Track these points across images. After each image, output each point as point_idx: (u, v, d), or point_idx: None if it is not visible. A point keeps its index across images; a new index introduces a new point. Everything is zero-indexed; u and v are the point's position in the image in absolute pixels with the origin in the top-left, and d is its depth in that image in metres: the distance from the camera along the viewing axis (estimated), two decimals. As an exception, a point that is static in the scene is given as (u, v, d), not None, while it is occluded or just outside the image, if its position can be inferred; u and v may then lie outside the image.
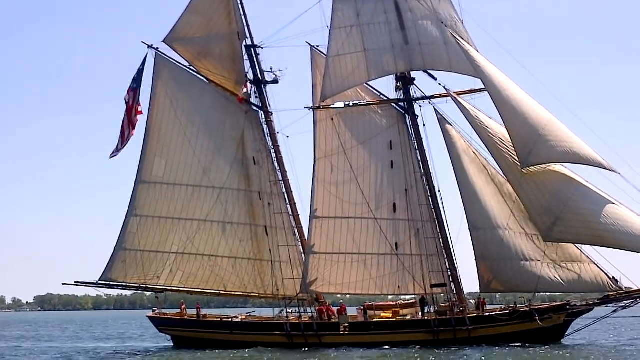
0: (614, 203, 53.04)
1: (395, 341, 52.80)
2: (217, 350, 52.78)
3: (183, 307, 60.04)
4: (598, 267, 54.57)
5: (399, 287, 56.03)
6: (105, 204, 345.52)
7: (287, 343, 54.59)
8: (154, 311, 61.12)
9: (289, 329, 54.88)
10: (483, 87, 55.52)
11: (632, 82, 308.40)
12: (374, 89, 58.52)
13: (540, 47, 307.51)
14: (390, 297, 58.86)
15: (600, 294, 55.16)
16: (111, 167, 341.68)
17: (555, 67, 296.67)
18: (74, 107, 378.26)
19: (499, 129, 55.10)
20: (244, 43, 59.69)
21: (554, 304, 56.43)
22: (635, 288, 53.83)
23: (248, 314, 59.91)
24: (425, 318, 54.22)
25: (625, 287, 54.16)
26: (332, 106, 57.16)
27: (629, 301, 54.22)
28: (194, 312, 59.80)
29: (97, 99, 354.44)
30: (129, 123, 58.05)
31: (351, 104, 57.69)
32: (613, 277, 54.33)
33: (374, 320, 55.17)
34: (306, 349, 52.81)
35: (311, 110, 57.42)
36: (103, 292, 61.21)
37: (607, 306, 55.42)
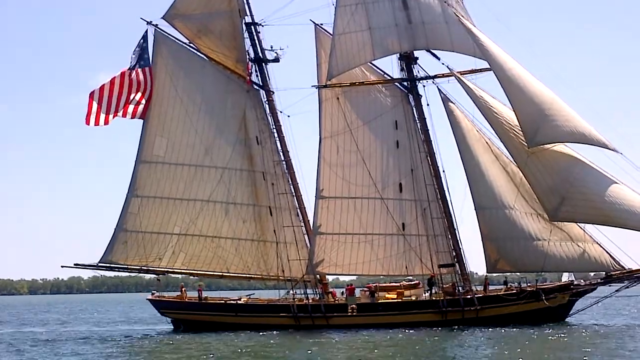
0: (617, 182, 54.50)
1: (403, 322, 53.87)
2: (228, 333, 52.92)
3: (183, 289, 60.27)
4: (601, 246, 55.97)
5: (406, 267, 57.15)
6: (102, 183, 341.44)
7: (293, 325, 55.32)
8: (153, 294, 61.34)
9: (295, 310, 55.56)
10: (484, 67, 56.67)
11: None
12: (378, 68, 59.41)
13: (540, 28, 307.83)
14: (399, 277, 59.40)
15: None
16: (109, 145, 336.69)
17: (555, 45, 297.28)
18: (69, 82, 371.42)
19: (503, 108, 56.19)
20: (244, 20, 59.81)
21: (559, 283, 57.71)
22: (637, 267, 55.35)
23: (248, 296, 60.39)
24: (434, 298, 55.18)
25: (627, 267, 55.70)
26: (340, 84, 57.62)
27: (631, 281, 55.78)
28: (193, 294, 60.19)
29: (93, 74, 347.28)
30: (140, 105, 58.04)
31: (357, 83, 58.16)
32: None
33: (379, 301, 56.07)
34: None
35: (317, 89, 57.94)
36: (103, 274, 60.31)
37: (609, 286, 57.20)
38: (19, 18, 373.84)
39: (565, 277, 59.69)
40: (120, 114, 57.84)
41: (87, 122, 57.37)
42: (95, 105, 57.03)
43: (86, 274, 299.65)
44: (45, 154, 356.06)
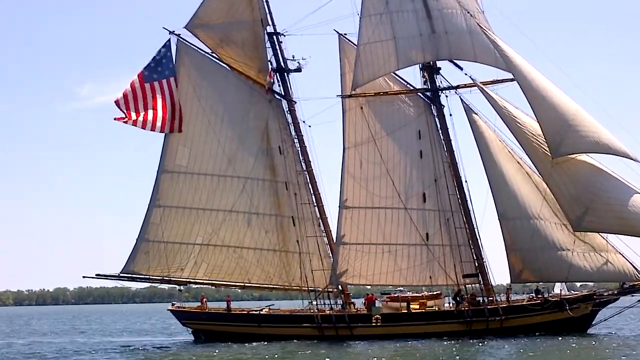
0: (639, 192, 55.09)
1: (427, 332, 54.40)
2: (247, 344, 53.47)
3: (204, 300, 60.63)
4: (624, 256, 56.65)
5: (430, 278, 57.65)
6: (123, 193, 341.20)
7: (317, 335, 55.81)
8: (173, 305, 61.70)
9: (320, 321, 56.02)
10: (507, 77, 57.45)
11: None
12: (401, 78, 60.10)
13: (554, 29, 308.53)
14: (421, 288, 59.94)
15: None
16: (131, 155, 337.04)
17: (571, 55, 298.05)
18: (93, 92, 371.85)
19: (526, 119, 56.89)
20: (266, 30, 60.56)
21: (582, 293, 58.31)
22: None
23: (268, 307, 60.82)
24: (460, 309, 55.73)
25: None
26: (364, 94, 58.37)
27: (654, 291, 56.51)
28: (213, 305, 60.52)
29: (116, 84, 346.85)
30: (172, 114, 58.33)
31: (381, 93, 58.87)
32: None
33: (402, 312, 56.58)
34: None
35: (341, 98, 58.59)
36: (125, 284, 60.50)
37: (632, 295, 57.83)
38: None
39: (557, 288, 60.61)
40: (149, 126, 58.14)
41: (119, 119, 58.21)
42: (124, 110, 57.65)
43: (72, 285, 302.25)
44: (32, 160, 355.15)
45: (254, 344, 53.54)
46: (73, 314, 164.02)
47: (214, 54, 60.56)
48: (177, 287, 60.77)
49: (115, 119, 58.07)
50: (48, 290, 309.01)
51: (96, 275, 59.65)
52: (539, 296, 57.15)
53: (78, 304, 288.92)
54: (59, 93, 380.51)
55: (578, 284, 65.11)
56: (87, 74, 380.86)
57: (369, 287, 63.56)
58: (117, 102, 57.56)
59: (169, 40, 59.57)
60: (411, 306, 57.30)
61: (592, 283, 63.24)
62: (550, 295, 57.83)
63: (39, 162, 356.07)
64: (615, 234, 55.88)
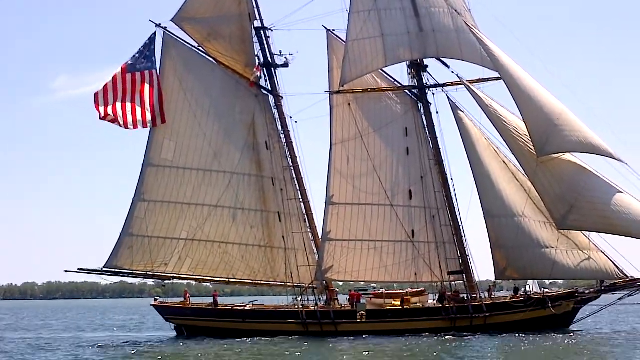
0: (622, 192, 55.94)
1: (412, 329, 54.84)
2: (236, 340, 53.53)
3: (187, 296, 60.60)
4: (605, 255, 57.39)
5: (415, 274, 58.05)
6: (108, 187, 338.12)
7: (302, 331, 56.00)
8: (155, 300, 61.57)
9: (304, 317, 56.24)
10: (493, 76, 58.07)
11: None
12: (388, 75, 60.47)
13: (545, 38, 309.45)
14: (406, 284, 60.36)
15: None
16: (115, 148, 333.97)
17: (560, 55, 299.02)
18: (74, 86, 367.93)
19: (512, 118, 57.52)
20: (253, 25, 60.58)
21: (564, 291, 58.99)
22: (640, 276, 56.87)
23: (251, 302, 60.92)
24: (445, 305, 56.15)
25: (630, 276, 57.14)
26: (352, 90, 58.68)
27: (634, 289, 57.22)
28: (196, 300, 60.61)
29: (99, 76, 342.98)
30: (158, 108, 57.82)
31: (369, 90, 59.16)
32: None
33: (387, 308, 56.95)
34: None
35: (329, 94, 58.84)
36: (107, 279, 60.03)
37: (613, 294, 58.60)
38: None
39: (530, 286, 61.32)
40: (123, 122, 57.22)
41: (101, 117, 57.20)
42: (102, 105, 56.86)
43: (41, 280, 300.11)
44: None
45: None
46: (52, 309, 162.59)
47: (200, 48, 60.47)
48: (161, 282, 60.70)
49: (100, 118, 57.22)
50: (16, 285, 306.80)
51: (79, 269, 59.31)
52: (520, 294, 57.83)
53: (47, 299, 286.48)
54: (32, 87, 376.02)
55: (548, 282, 65.72)
56: (62, 68, 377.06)
57: (352, 283, 63.90)
58: (96, 95, 56.96)
59: (155, 33, 59.36)
60: (392, 303, 57.72)
61: (562, 281, 63.88)
62: (524, 292, 58.50)
63: (6, 156, 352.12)
64: (598, 232, 56.60)
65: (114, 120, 57.30)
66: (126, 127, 57.71)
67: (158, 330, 67.64)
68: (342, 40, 58.90)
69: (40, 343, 57.00)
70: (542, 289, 59.73)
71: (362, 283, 61.66)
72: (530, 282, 61.87)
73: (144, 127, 58.07)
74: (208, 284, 63.50)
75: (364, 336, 53.83)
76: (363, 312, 56.42)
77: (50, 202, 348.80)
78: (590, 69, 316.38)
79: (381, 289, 60.87)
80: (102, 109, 56.98)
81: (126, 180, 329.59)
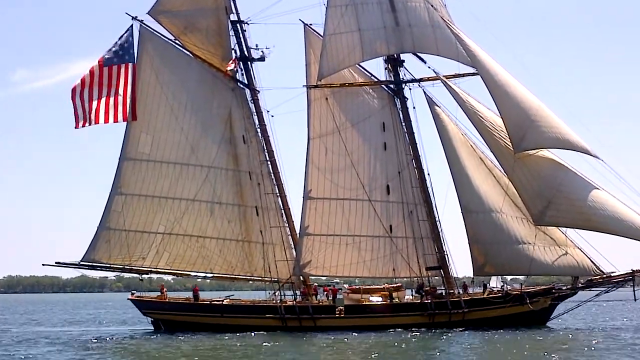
0: (598, 188, 56.44)
1: (390, 324, 55.06)
2: (217, 335, 53.38)
3: (164, 290, 60.50)
4: (582, 251, 57.90)
5: (394, 270, 58.30)
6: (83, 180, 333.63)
7: (280, 326, 56.16)
8: (132, 294, 61.43)
9: (283, 312, 56.32)
10: (468, 71, 58.42)
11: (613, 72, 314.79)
12: (365, 69, 60.64)
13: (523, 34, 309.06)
14: (384, 279, 60.53)
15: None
16: (93, 141, 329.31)
17: (537, 52, 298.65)
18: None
19: (488, 113, 57.99)
20: (229, 18, 60.44)
21: (541, 287, 59.46)
22: (617, 273, 57.37)
23: (227, 297, 60.91)
24: (423, 301, 56.44)
25: (606, 272, 57.67)
26: (330, 85, 58.83)
27: (610, 285, 57.75)
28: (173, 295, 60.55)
29: (74, 69, 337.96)
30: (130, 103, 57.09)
31: (347, 84, 59.27)
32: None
33: (366, 303, 57.14)
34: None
35: (307, 88, 58.96)
36: (85, 273, 60.03)
37: (590, 290, 59.10)
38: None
39: (494, 282, 61.82)
40: (103, 118, 56.51)
41: (77, 126, 56.48)
42: (79, 104, 56.23)
43: (1, 274, 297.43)
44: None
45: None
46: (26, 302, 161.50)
47: (177, 41, 60.36)
48: (138, 276, 60.51)
49: (76, 127, 56.69)
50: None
51: (56, 263, 59.13)
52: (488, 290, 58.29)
53: (7, 293, 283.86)
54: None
55: (509, 278, 66.21)
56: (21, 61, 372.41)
57: (324, 278, 64.09)
58: (73, 90, 56.37)
59: (132, 26, 58.97)
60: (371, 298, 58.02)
61: (523, 277, 64.30)
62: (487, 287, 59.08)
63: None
64: (576, 228, 57.03)
65: (90, 123, 56.65)
66: (106, 122, 57.27)
67: (135, 324, 67.43)
68: (320, 35, 59.11)
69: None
70: (505, 285, 59.98)
71: (329, 278, 61.39)
72: (494, 278, 62.31)
73: (115, 122, 57.45)
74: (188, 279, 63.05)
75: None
76: (341, 308, 56.63)
77: (13, 195, 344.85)
78: (567, 64, 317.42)
79: (344, 284, 61.16)
80: (79, 111, 56.27)
81: (87, 173, 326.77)
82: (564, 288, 58.40)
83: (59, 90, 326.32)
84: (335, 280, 60.28)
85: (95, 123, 56.47)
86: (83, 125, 56.20)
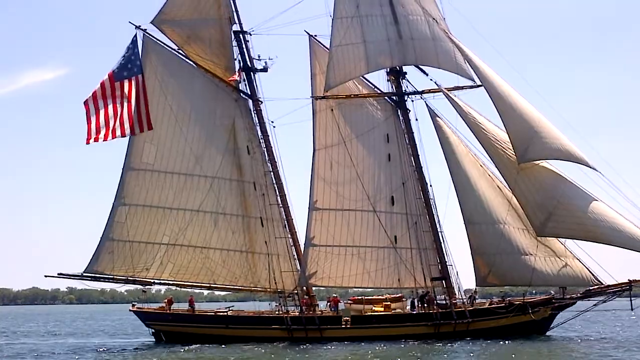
0: (597, 200, 57.92)
1: (396, 334, 55.96)
2: (223, 346, 54.03)
3: (169, 302, 60.72)
4: (581, 262, 59.35)
5: (399, 280, 59.23)
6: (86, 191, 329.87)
7: (286, 337, 56.80)
8: (133, 305, 61.59)
9: (289, 322, 56.94)
10: (468, 84, 59.60)
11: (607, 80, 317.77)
12: (368, 81, 61.73)
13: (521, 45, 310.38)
14: (388, 290, 61.36)
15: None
16: (95, 151, 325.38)
17: (535, 62, 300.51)
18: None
19: (490, 125, 59.27)
20: (232, 28, 61.11)
21: (542, 297, 60.75)
22: (615, 283, 58.86)
23: (227, 308, 61.31)
24: (428, 311, 57.41)
25: (604, 283, 59.15)
26: (337, 96, 59.87)
27: (608, 295, 59.24)
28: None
29: (93, 79, 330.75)
30: (144, 115, 56.86)
31: (352, 96, 60.23)
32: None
33: (372, 314, 57.96)
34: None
35: (314, 100, 60.04)
36: (88, 285, 60.04)
37: (588, 300, 60.55)
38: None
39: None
40: (119, 132, 56.11)
41: (87, 141, 55.95)
42: (93, 120, 55.82)
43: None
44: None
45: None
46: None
47: (180, 51, 60.85)
48: (141, 287, 60.69)
49: (87, 142, 56.02)
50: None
51: (58, 274, 59.08)
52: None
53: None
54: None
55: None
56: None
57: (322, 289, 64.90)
58: (86, 103, 56.20)
59: (135, 35, 59.22)
60: (374, 309, 58.74)
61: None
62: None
63: None
64: (576, 239, 58.36)
65: (102, 138, 56.42)
66: (122, 136, 56.91)
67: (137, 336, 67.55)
68: (324, 46, 60.18)
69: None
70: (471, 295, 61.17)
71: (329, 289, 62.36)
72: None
73: (132, 135, 57.47)
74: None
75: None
76: (347, 318, 57.40)
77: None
78: (563, 72, 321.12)
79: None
80: (93, 127, 55.98)
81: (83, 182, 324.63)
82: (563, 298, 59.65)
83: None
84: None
85: (112, 138, 55.99)
86: (96, 141, 55.69)
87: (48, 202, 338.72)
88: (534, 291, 62.37)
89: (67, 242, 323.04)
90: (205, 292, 68.05)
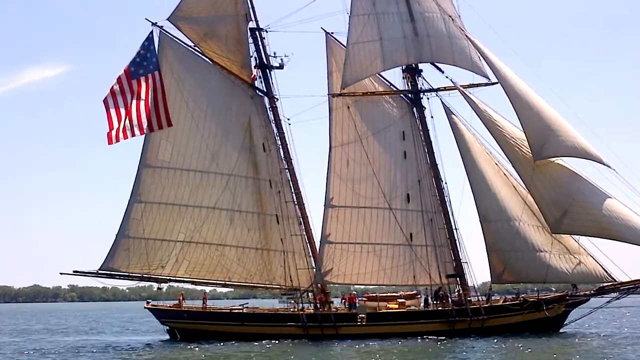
0: (611, 197, 58.25)
1: (412, 332, 56.27)
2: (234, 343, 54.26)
3: (182, 298, 61.04)
4: (594, 259, 59.67)
5: (414, 277, 59.45)
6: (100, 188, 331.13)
7: (302, 335, 57.09)
8: (148, 303, 61.84)
9: (305, 320, 57.22)
10: (483, 82, 59.94)
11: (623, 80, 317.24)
12: (384, 78, 61.94)
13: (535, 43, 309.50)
14: (404, 287, 61.63)
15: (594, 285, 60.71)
16: (96, 151, 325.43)
17: (548, 60, 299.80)
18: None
19: (506, 123, 59.63)
20: (248, 26, 61.27)
21: (556, 294, 61.08)
22: (628, 280, 59.23)
23: (241, 305, 61.56)
24: (444, 308, 57.74)
25: (618, 280, 59.50)
26: (354, 93, 60.11)
27: (621, 292, 59.60)
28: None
29: (94, 76, 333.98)
30: (160, 113, 56.60)
31: (368, 93, 60.46)
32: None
33: (388, 311, 58.26)
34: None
35: (331, 97, 60.38)
36: (104, 282, 60.19)
37: (602, 297, 60.90)
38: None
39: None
40: (137, 131, 55.79)
41: (109, 142, 55.49)
42: (115, 119, 55.41)
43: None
44: None
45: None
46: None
47: (196, 48, 60.96)
48: (157, 284, 60.87)
49: (109, 143, 55.61)
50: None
51: (74, 271, 59.32)
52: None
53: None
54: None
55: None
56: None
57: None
58: (105, 101, 56.04)
59: (152, 32, 59.21)
60: (388, 306, 59.05)
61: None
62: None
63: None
64: (591, 236, 58.70)
65: (122, 138, 56.21)
66: (141, 133, 56.76)
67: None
68: (341, 43, 60.41)
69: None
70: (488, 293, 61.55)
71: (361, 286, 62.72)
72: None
73: (150, 132, 57.20)
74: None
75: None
76: (363, 315, 57.69)
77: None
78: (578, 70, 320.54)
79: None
80: (114, 126, 55.69)
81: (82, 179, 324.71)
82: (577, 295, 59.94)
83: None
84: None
85: (131, 136, 55.75)
86: (117, 141, 55.38)
87: (48, 202, 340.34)
88: (535, 288, 62.55)
89: (67, 241, 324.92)
90: (208, 289, 67.62)
